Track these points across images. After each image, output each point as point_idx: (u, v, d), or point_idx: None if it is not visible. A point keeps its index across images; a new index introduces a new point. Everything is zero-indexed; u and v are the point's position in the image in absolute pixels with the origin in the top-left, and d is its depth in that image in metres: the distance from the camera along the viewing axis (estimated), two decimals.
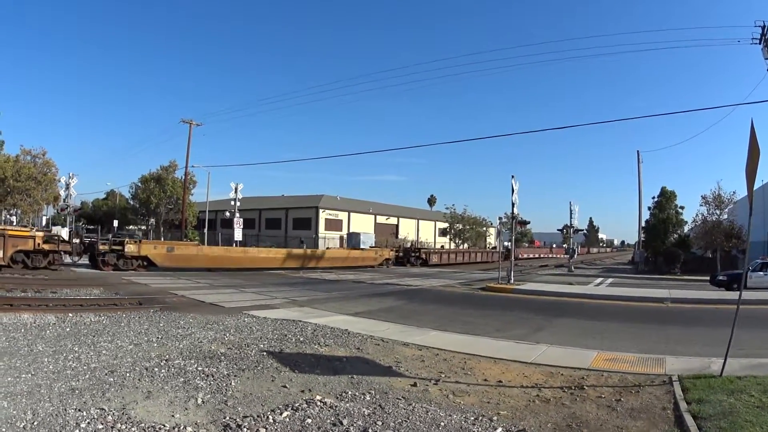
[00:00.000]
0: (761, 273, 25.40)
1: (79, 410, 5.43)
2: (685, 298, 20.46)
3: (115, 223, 62.08)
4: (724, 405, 6.15)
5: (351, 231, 61.82)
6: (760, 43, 28.21)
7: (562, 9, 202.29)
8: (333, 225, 67.11)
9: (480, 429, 5.54)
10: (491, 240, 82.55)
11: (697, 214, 44.03)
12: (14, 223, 43.40)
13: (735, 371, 7.82)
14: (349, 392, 6.65)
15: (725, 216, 41.40)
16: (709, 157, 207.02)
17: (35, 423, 5.02)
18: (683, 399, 6.61)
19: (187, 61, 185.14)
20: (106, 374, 6.92)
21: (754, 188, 7.93)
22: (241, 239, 40.06)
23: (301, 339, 10.37)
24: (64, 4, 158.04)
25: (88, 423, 5.08)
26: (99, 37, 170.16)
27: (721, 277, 27.25)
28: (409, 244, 57.99)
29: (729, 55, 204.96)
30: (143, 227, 64.14)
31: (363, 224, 69.90)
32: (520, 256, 69.08)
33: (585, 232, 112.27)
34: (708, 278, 29.51)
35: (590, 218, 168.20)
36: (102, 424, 5.08)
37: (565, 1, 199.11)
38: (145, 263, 28.63)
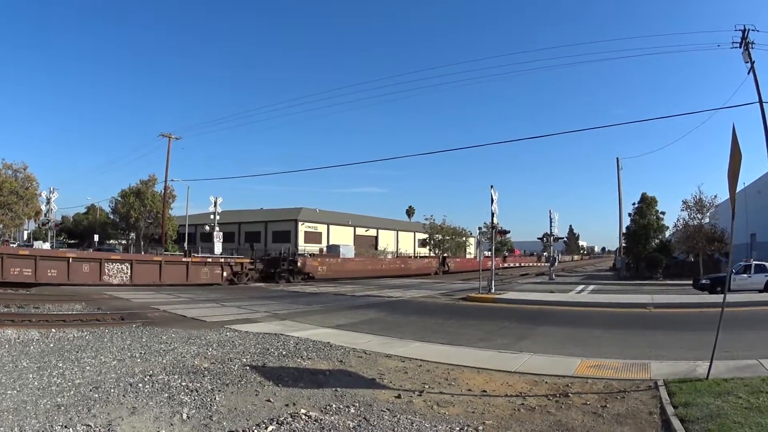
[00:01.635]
0: (745, 275, 25.47)
1: (66, 427, 5.48)
2: (668, 302, 20.64)
3: (96, 237, 61.40)
4: (711, 407, 6.18)
5: (330, 243, 61.86)
6: (740, 47, 28.83)
7: (537, 20, 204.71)
8: (312, 238, 67.13)
9: None
10: (471, 250, 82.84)
11: (678, 219, 44.05)
12: None
13: (721, 374, 7.84)
14: (334, 405, 6.67)
15: (707, 220, 41.48)
16: (690, 163, 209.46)
17: None
18: (670, 403, 6.63)
19: (165, 76, 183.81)
20: (90, 390, 6.96)
21: (736, 191, 7.99)
22: (221, 253, 39.86)
23: (284, 353, 10.41)
24: (42, 20, 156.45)
25: None
26: (77, 52, 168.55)
27: (704, 281, 27.28)
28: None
29: (710, 62, 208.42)
30: (123, 242, 63.60)
31: (342, 236, 70.08)
32: (500, 266, 69.46)
33: (565, 239, 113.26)
34: (691, 282, 29.58)
35: (570, 226, 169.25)
36: None
37: (540, 12, 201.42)
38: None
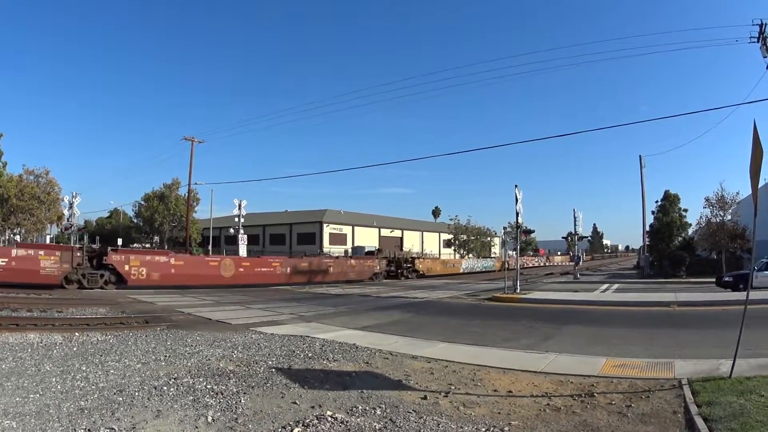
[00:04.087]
0: (767, 272, 24.91)
1: (89, 430, 5.43)
2: (691, 300, 20.44)
3: (119, 241, 62.10)
4: (734, 406, 6.15)
5: (355, 245, 61.93)
6: (758, 42, 28.24)
7: (558, 20, 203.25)
8: (337, 239, 67.20)
9: None
10: (496, 250, 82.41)
11: (700, 216, 43.88)
12: (18, 242, 43.50)
13: (744, 372, 7.81)
14: (360, 407, 6.59)
15: (729, 217, 41.25)
16: (712, 159, 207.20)
17: None
18: (693, 402, 6.58)
19: (189, 80, 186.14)
20: (114, 393, 6.90)
21: (758, 187, 7.92)
22: (245, 255, 40.10)
23: (310, 355, 10.32)
24: (65, 26, 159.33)
25: None
26: (101, 59, 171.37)
27: (726, 278, 27.13)
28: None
29: (732, 60, 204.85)
30: (147, 245, 64.28)
31: (367, 238, 70.07)
32: (525, 265, 69.01)
33: (589, 238, 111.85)
34: (714, 280, 29.37)
35: (594, 224, 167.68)
36: None
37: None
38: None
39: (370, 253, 47.37)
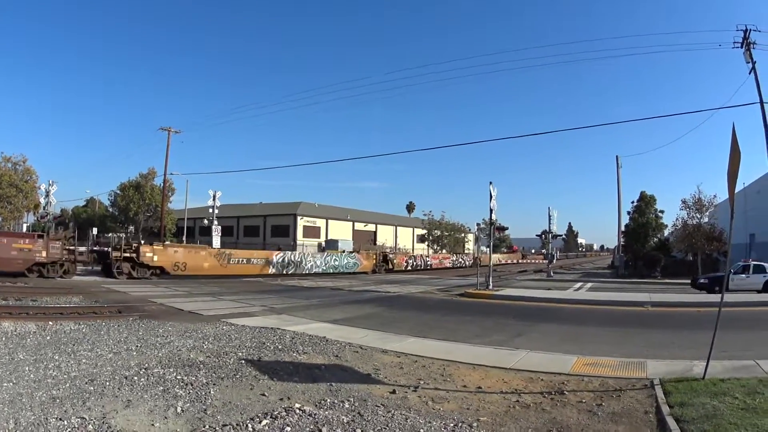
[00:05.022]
0: (743, 275, 25.40)
1: (60, 419, 5.50)
2: (666, 301, 20.61)
3: (95, 230, 61.30)
4: (707, 408, 6.14)
5: (329, 238, 61.94)
6: (741, 47, 28.78)
7: (540, 18, 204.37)
8: (311, 232, 67.13)
9: None
10: (469, 246, 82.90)
11: (677, 218, 44.09)
12: None
13: (718, 374, 7.82)
14: (328, 400, 6.67)
15: (706, 219, 41.48)
16: (690, 161, 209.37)
17: None
18: (665, 402, 6.58)
19: (166, 71, 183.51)
20: (86, 383, 6.99)
21: (735, 191, 7.96)
22: (219, 247, 39.98)
23: (280, 347, 10.44)
24: (40, 13, 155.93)
25: None
26: (76, 45, 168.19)
27: (702, 280, 27.26)
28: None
29: (712, 62, 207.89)
30: (122, 235, 63.56)
31: (341, 231, 70.18)
32: (499, 262, 69.60)
33: (564, 237, 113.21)
34: (689, 281, 29.48)
35: (569, 223, 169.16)
36: None
37: (541, 10, 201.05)
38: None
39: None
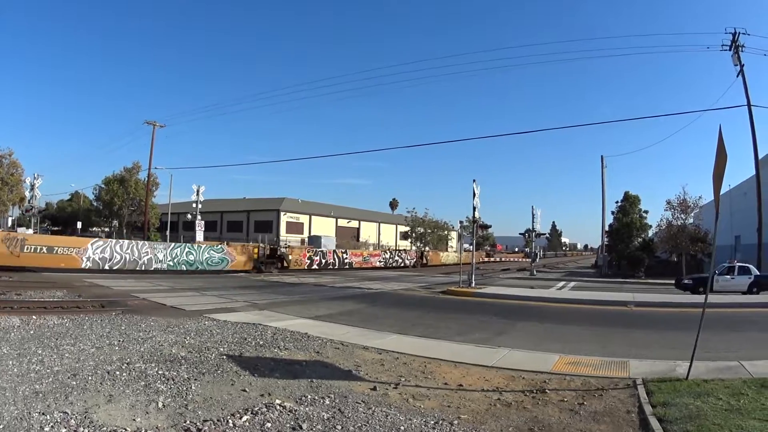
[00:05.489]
0: (728, 277, 25.57)
1: (43, 414, 5.56)
2: (649, 301, 20.62)
3: (79, 224, 60.85)
4: (690, 408, 6.13)
5: (312, 234, 61.93)
6: (730, 50, 29.18)
7: (526, 17, 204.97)
8: (294, 228, 67.22)
9: None
10: (453, 244, 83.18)
11: (661, 219, 44.47)
12: None
13: (701, 374, 7.81)
14: (309, 396, 6.72)
15: (691, 220, 41.60)
16: (675, 162, 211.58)
17: (0, 426, 5.17)
18: (648, 402, 6.59)
19: (151, 64, 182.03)
20: (68, 377, 7.05)
21: (721, 192, 7.95)
22: (202, 241, 39.85)
23: (261, 343, 10.50)
24: (22, 5, 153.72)
25: (52, 426, 5.22)
26: (62, 39, 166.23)
27: (686, 281, 27.19)
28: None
29: (700, 64, 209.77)
30: (106, 229, 63.15)
31: (324, 227, 70.35)
32: (481, 260, 69.88)
33: (548, 236, 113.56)
34: (673, 282, 29.45)
35: (553, 222, 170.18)
36: (65, 427, 5.22)
37: (527, 10, 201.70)
38: None
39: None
